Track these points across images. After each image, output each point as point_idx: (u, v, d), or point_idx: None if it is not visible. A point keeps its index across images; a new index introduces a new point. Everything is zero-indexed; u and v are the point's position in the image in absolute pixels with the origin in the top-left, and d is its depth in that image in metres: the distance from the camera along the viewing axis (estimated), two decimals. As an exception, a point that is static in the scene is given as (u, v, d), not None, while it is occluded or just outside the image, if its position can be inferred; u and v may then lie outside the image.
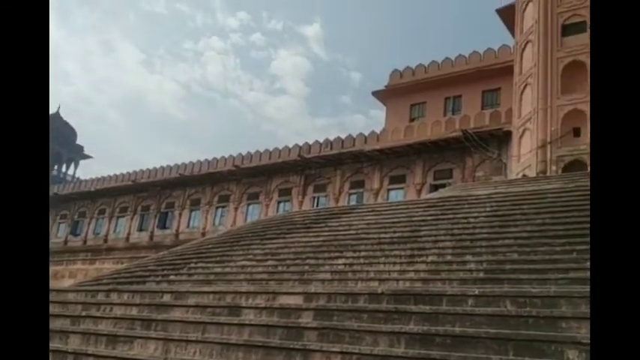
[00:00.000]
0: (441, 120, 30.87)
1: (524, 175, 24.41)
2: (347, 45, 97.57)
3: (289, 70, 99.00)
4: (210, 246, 18.13)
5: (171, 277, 14.83)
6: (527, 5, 27.92)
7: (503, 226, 13.43)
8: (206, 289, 11.57)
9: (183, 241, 30.00)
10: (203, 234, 35.22)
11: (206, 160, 39.49)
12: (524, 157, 25.29)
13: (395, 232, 14.80)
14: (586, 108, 23.42)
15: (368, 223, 16.51)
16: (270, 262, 14.42)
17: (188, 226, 39.47)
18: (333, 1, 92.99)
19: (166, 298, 11.50)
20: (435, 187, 28.69)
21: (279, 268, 13.71)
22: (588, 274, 9.37)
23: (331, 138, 34.26)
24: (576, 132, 23.80)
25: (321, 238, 15.88)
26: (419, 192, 29.73)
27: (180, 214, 40.14)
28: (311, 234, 16.75)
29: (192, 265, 15.87)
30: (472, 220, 14.40)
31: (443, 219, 15.11)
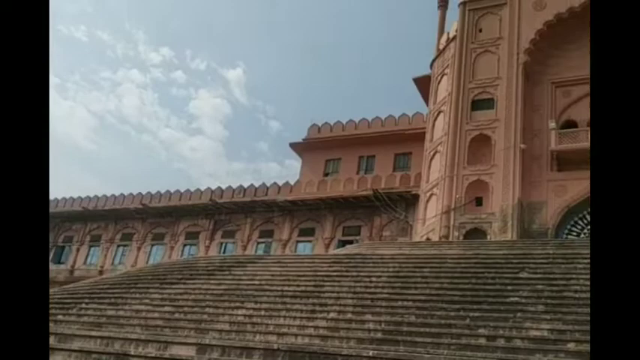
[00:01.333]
0: (354, 177, 31.57)
1: (428, 239, 25.20)
2: (268, 93, 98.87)
3: (208, 111, 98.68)
4: (105, 286, 17.28)
5: (59, 317, 13.94)
6: (442, 77, 29.53)
7: (404, 287, 13.71)
8: (95, 333, 10.95)
9: (79, 278, 28.41)
10: (100, 272, 33.53)
11: (112, 195, 38.02)
12: (429, 221, 26.17)
13: (299, 285, 14.74)
14: (489, 180, 24.78)
15: (273, 274, 16.36)
16: (167, 308, 13.90)
17: (85, 262, 37.47)
18: (257, 48, 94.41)
19: (50, 341, 10.76)
20: (343, 243, 29.02)
21: (176, 315, 13.24)
22: (480, 340, 9.69)
23: (245, 184, 34.11)
24: (478, 201, 25.02)
25: (223, 287, 15.54)
26: (327, 246, 29.94)
27: (78, 249, 38.09)
28: (213, 281, 16.37)
29: (84, 305, 15.02)
30: (375, 279, 14.62)
31: (347, 276, 15.24)
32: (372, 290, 13.69)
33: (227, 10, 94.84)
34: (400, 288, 13.70)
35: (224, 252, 32.48)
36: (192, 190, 35.43)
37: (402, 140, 31.76)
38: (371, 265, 16.27)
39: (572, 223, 24.20)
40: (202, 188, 35.25)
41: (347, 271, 15.73)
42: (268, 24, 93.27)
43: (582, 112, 25.63)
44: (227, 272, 17.29)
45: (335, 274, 15.68)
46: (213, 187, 34.84)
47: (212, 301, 14.23)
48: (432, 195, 26.71)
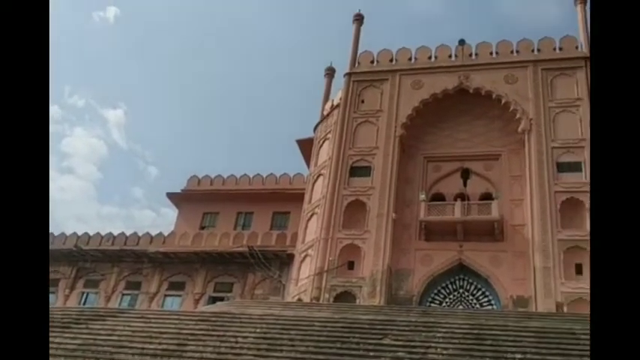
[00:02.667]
0: (231, 233, 31.23)
1: (300, 299, 25.26)
2: (148, 138, 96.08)
3: (83, 150, 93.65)
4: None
5: None
6: (324, 142, 30.51)
7: (270, 349, 13.53)
8: None
9: None
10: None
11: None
12: (302, 282, 26.32)
13: (160, 343, 14.07)
14: (362, 244, 25.54)
15: (134, 330, 15.49)
16: (9, 364, 12.64)
17: None
18: (140, 90, 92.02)
19: None
20: (214, 299, 28.30)
21: (19, 372, 12.07)
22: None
23: (115, 231, 32.57)
24: (350, 265, 25.63)
25: (78, 341, 14.46)
26: (197, 302, 29.03)
27: None
28: (68, 335, 15.19)
29: None
30: (241, 339, 14.30)
31: (213, 335, 14.78)
32: (237, 351, 13.38)
33: (110, 46, 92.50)
34: (266, 350, 13.50)
35: (85, 302, 30.46)
36: (56, 233, 33.17)
37: (282, 199, 32.06)
38: (238, 324, 15.93)
39: (435, 291, 25.39)
40: (68, 232, 33.18)
41: (213, 330, 15.27)
42: (156, 69, 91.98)
43: (450, 187, 27.47)
44: (84, 326, 16.13)
45: (200, 332, 15.16)
46: (80, 232, 32.93)
47: (64, 357, 13.17)
48: (306, 256, 27.00)
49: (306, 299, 24.74)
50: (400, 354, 13.27)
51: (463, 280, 25.39)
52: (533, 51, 28.73)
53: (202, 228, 33.64)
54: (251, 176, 34.19)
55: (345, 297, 24.58)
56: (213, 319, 16.65)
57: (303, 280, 26.34)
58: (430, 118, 28.78)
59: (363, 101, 29.85)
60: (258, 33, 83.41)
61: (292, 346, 13.69)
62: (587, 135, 25.38)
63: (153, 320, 16.87)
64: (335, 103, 31.01)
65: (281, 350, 13.43)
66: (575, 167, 25.11)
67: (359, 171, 27.82)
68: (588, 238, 23.03)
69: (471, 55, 29.53)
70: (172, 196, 35.71)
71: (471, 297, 25.03)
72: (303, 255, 27.31)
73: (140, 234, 32.07)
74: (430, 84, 28.88)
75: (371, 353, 13.27)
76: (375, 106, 29.36)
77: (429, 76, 29.20)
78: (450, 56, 29.77)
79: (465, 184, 27.33)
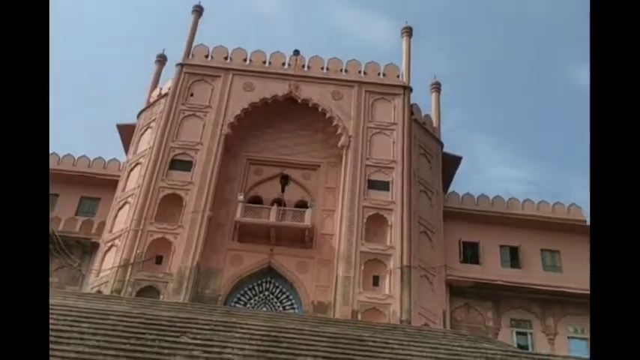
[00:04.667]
0: (30, 214, 28.57)
1: (99, 291, 23.91)
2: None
3: None
4: None
5: None
6: (146, 130, 29.34)
7: (56, 342, 12.62)
8: None
9: None
10: None
11: None
12: (104, 273, 24.93)
13: None
14: (173, 239, 24.93)
15: None
16: None
17: None
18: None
19: None
20: None
21: None
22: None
23: None
24: (159, 260, 24.88)
25: None
26: None
27: None
28: None
29: None
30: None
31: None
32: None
33: None
34: (52, 343, 12.55)
35: None
36: None
37: (93, 184, 29.97)
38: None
39: (242, 292, 25.63)
40: None
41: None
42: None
43: (268, 191, 28.00)
44: None
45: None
46: None
47: None
48: (112, 246, 25.67)
49: (107, 292, 23.50)
50: (196, 353, 13.19)
51: (270, 283, 25.94)
52: (360, 72, 30.44)
53: None
54: (61, 155, 31.53)
55: (149, 292, 23.77)
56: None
57: (105, 271, 24.96)
58: (257, 121, 29.10)
59: (192, 94, 29.26)
60: (92, 13, 77.89)
61: (81, 339, 12.93)
62: (398, 157, 27.54)
63: None
64: (163, 92, 29.99)
65: (68, 344, 12.61)
66: (383, 186, 27.02)
67: (179, 164, 27.16)
68: (388, 252, 25.01)
69: (303, 66, 30.42)
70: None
71: (275, 300, 25.65)
72: (108, 245, 25.89)
73: None
74: (261, 88, 29.22)
75: (165, 351, 13.02)
76: (204, 102, 28.93)
77: (262, 80, 29.53)
78: (284, 64, 30.39)
79: (283, 190, 28.00)
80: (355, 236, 25.45)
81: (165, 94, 29.37)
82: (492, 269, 27.89)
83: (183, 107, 28.75)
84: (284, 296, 25.72)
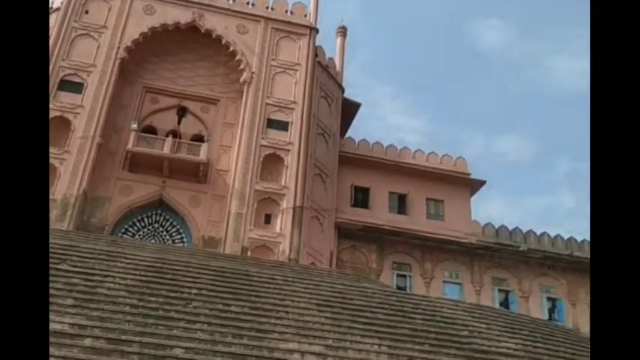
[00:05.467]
0: None
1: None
2: None
3: None
4: None
5: None
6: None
7: None
8: None
9: None
10: None
11: None
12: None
13: None
14: (59, 165, 23.68)
15: None
16: None
17: None
18: None
19: None
20: None
21: None
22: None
23: None
24: (42, 185, 23.66)
25: None
26: None
27: None
28: None
29: None
30: None
31: None
32: None
33: None
34: None
35: None
36: None
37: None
38: None
39: (130, 223, 25.08)
40: None
41: None
42: None
43: (164, 122, 27.19)
44: None
45: None
46: None
47: None
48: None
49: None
50: (75, 280, 12.88)
51: (160, 215, 25.56)
52: (267, 8, 29.72)
53: None
54: None
55: (29, 218, 22.64)
56: None
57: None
58: (156, 48, 27.83)
59: (87, 12, 27.29)
60: None
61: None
62: (299, 98, 27.53)
63: None
64: (55, 6, 27.76)
65: None
66: (282, 126, 27.01)
67: (69, 86, 25.52)
68: (282, 192, 25.31)
69: (210, -6, 29.24)
70: None
71: (165, 233, 25.38)
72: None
73: None
74: (163, 13, 27.80)
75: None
76: (99, 21, 27.13)
77: (164, 4, 28.01)
78: (189, -10, 29.04)
79: (179, 122, 27.28)
80: (250, 174, 25.47)
81: (58, 9, 27.19)
82: (380, 214, 29.06)
83: (76, 25, 26.82)
84: (174, 229, 25.48)
